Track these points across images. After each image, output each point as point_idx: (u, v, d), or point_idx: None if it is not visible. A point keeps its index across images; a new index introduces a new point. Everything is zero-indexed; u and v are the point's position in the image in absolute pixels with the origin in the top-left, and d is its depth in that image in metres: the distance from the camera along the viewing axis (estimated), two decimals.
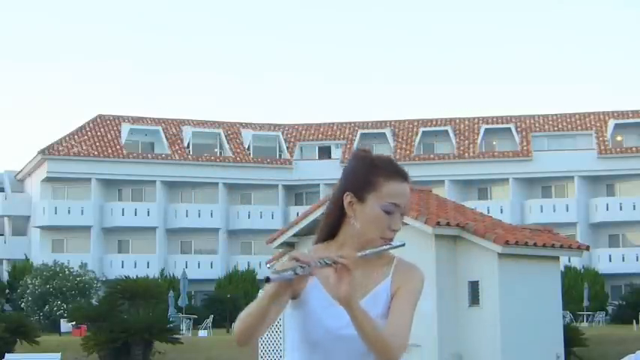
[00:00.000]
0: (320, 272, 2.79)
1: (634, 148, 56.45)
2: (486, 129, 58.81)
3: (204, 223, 56.77)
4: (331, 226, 2.97)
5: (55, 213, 55.11)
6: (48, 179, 56.00)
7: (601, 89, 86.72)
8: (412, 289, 2.87)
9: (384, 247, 2.88)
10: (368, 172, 2.91)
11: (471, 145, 57.97)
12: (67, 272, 48.68)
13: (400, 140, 58.80)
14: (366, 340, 2.72)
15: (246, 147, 59.00)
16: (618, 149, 56.83)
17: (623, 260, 54.39)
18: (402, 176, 2.93)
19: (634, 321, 38.89)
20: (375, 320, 2.74)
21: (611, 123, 57.73)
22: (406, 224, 2.61)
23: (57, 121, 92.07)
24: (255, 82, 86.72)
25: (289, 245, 21.41)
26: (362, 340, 2.73)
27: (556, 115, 60.17)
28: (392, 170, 2.92)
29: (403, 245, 2.89)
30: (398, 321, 2.80)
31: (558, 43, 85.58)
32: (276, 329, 22.87)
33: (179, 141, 58.53)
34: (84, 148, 55.90)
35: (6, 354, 22.75)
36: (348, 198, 2.91)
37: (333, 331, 2.82)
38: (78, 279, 48.59)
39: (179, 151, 57.83)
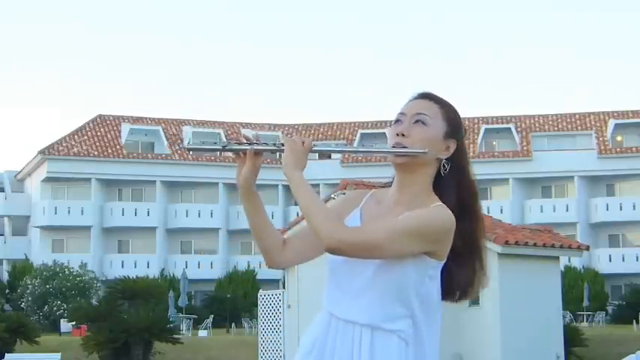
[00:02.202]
0: (352, 202, 2.95)
1: (634, 148, 56.45)
2: (486, 129, 58.81)
3: (204, 223, 56.79)
4: None
5: (55, 213, 55.13)
6: (48, 179, 56.01)
7: (601, 89, 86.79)
8: (411, 214, 2.77)
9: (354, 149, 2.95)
10: None
11: (471, 145, 57.93)
12: (67, 272, 48.70)
13: None
14: (303, 214, 2.75)
15: None
16: (618, 149, 56.83)
17: (623, 260, 54.39)
18: (416, 96, 2.96)
19: (634, 321, 38.88)
20: (316, 200, 2.73)
21: (611, 123, 57.73)
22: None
23: (57, 121, 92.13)
24: (255, 82, 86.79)
25: None
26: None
27: (556, 115, 60.16)
28: (411, 95, 2.98)
29: (408, 152, 2.84)
30: (357, 228, 2.77)
31: (558, 43, 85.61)
32: (276, 329, 22.87)
33: (179, 141, 58.50)
34: (84, 148, 55.90)
35: (6, 354, 22.70)
36: None
37: (331, 258, 2.83)
38: (78, 279, 48.59)
39: (179, 151, 57.83)
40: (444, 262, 2.82)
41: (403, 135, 2.86)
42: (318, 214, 2.71)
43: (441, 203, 2.82)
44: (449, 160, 2.89)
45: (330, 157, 58.13)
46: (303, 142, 2.82)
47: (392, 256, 2.73)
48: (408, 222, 2.74)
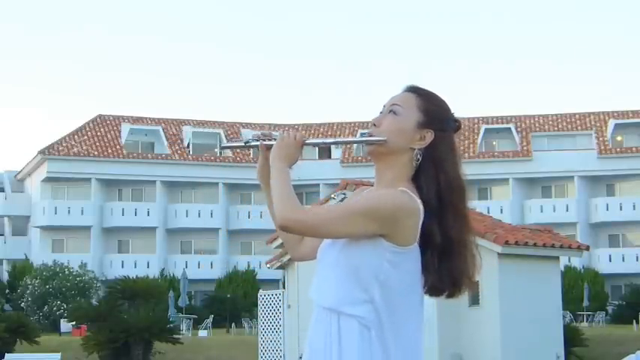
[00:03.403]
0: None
1: (634, 148, 56.45)
2: (486, 129, 58.80)
3: (204, 223, 56.77)
4: None
5: (55, 213, 55.11)
6: (48, 179, 56.00)
7: (601, 89, 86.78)
8: (364, 194, 2.84)
9: (338, 140, 3.07)
10: None
11: (471, 145, 57.96)
12: (66, 272, 48.70)
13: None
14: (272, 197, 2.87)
15: None
16: (618, 149, 56.83)
17: (623, 260, 54.37)
18: (403, 89, 3.01)
19: (634, 321, 38.89)
20: (284, 186, 2.80)
21: (611, 123, 57.72)
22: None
23: (57, 121, 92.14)
24: (255, 82, 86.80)
25: None
26: None
27: (556, 115, 60.16)
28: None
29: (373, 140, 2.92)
30: (310, 208, 2.84)
31: (558, 43, 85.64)
32: (276, 329, 22.87)
33: (179, 141, 58.54)
34: (84, 148, 55.90)
35: (6, 354, 22.73)
36: None
37: (320, 247, 2.96)
38: (78, 279, 48.60)
39: (179, 151, 57.84)
40: (407, 248, 2.80)
41: (374, 125, 2.94)
42: (280, 197, 2.79)
43: (404, 189, 2.83)
44: (428, 152, 2.89)
45: (330, 157, 58.19)
46: (295, 137, 2.93)
47: (341, 236, 2.78)
48: (355, 202, 2.79)
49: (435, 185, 2.86)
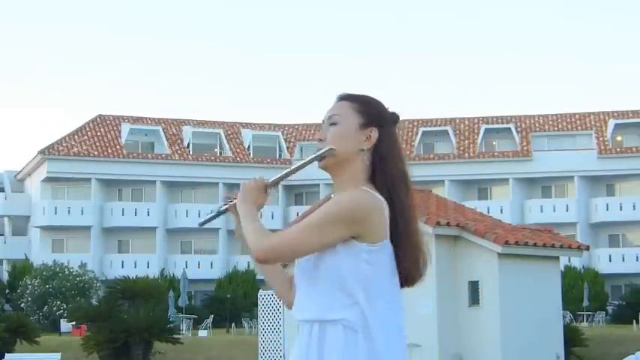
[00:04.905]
0: None
1: (634, 148, 56.44)
2: (486, 129, 58.80)
3: None
4: None
5: (55, 213, 55.11)
6: (48, 179, 56.01)
7: (601, 89, 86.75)
8: (319, 209, 2.85)
9: (301, 163, 3.07)
10: None
11: (471, 145, 57.96)
12: (66, 272, 48.69)
13: (400, 140, 58.68)
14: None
15: (247, 147, 59.03)
16: (618, 149, 56.83)
17: (623, 260, 54.38)
18: (337, 98, 3.07)
19: (634, 321, 38.91)
20: (251, 224, 2.87)
21: (611, 123, 57.72)
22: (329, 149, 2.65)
23: (57, 121, 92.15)
24: (255, 82, 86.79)
25: None
26: None
27: (556, 115, 60.16)
28: None
29: (329, 151, 2.95)
30: (278, 232, 2.87)
31: (558, 44, 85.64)
32: (276, 329, 22.88)
33: (179, 141, 58.54)
34: (84, 148, 55.89)
35: (6, 354, 22.76)
36: None
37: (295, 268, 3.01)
38: (78, 279, 48.59)
39: (179, 151, 57.83)
40: (380, 244, 2.84)
41: (321, 140, 2.99)
42: (249, 234, 2.86)
43: (365, 188, 2.88)
44: (376, 151, 2.96)
45: None
46: (255, 180, 3.01)
47: (316, 249, 2.81)
48: (317, 212, 2.82)
49: (386, 183, 2.93)
